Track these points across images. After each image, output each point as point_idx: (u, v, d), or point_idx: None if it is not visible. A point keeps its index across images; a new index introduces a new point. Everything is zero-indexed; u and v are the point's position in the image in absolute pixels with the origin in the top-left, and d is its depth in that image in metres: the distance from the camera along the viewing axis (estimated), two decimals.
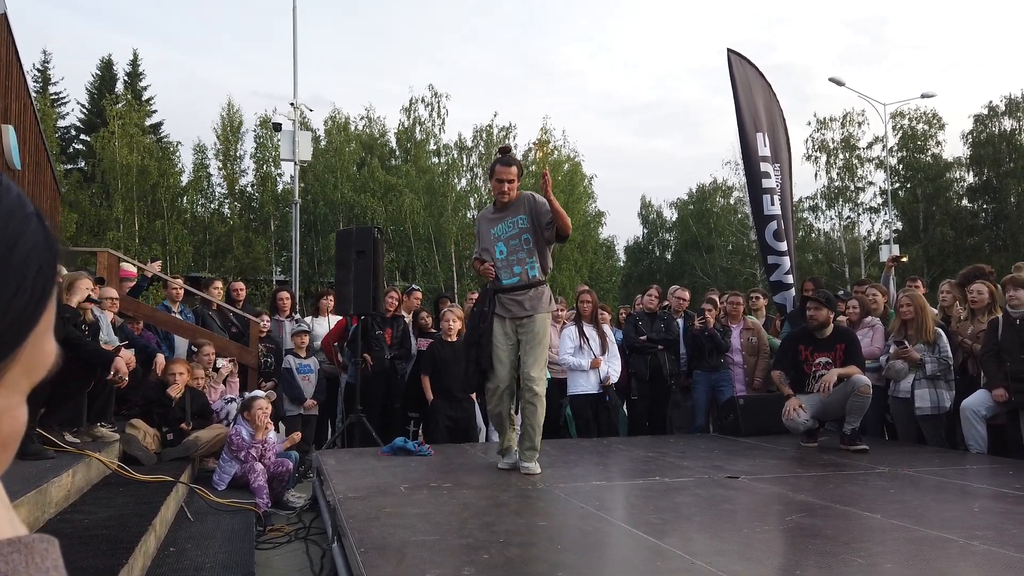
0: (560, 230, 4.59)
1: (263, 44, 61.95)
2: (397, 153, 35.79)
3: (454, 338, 6.61)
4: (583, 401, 6.78)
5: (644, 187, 62.66)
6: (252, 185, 33.86)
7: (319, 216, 31.63)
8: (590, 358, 6.74)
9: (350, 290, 6.53)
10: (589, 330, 6.86)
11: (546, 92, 60.57)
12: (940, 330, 5.80)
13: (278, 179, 33.20)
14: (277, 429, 6.19)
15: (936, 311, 6.26)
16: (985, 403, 5.36)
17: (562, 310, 7.47)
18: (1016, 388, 5.20)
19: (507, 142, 34.48)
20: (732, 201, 38.39)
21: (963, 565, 2.86)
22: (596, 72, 64.21)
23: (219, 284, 8.09)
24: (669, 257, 41.94)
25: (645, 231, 42.86)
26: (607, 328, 7.09)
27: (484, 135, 34.37)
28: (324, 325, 7.61)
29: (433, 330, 7.40)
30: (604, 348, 6.85)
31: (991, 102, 35.88)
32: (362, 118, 35.71)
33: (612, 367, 6.87)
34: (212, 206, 33.66)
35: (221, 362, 6.82)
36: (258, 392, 6.00)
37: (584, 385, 6.77)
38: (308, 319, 7.82)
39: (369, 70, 59.41)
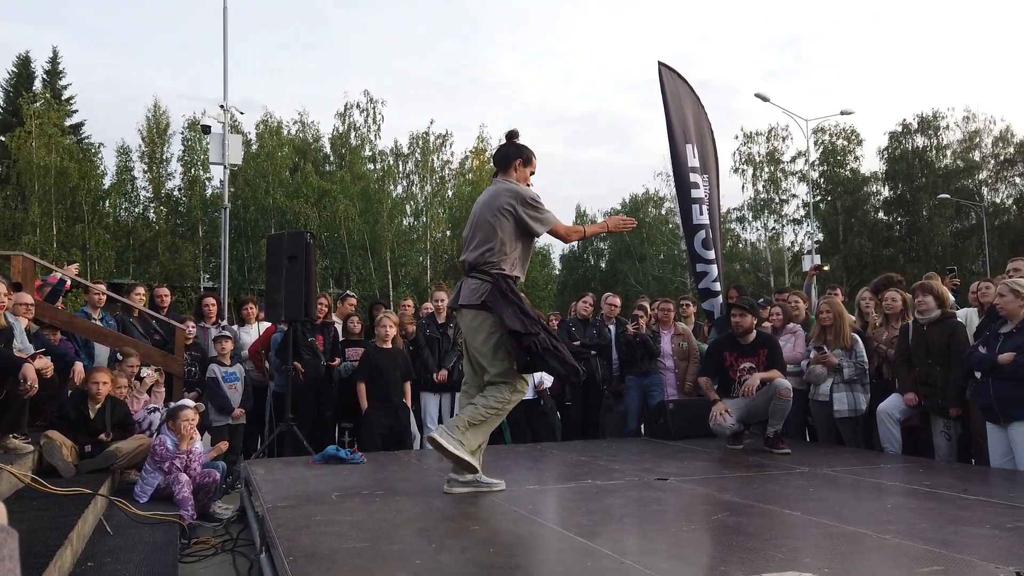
0: None
1: (192, 46, 60.27)
2: (331, 158, 35.32)
3: (389, 345, 6.56)
4: (518, 407, 6.79)
5: (578, 196, 63.47)
6: (179, 189, 32.88)
7: (250, 221, 30.89)
8: None
9: (281, 296, 6.41)
10: None
11: (482, 101, 60.96)
12: (857, 336, 6.07)
13: (207, 183, 32.33)
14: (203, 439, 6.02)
15: (854, 318, 6.55)
16: (899, 407, 5.62)
17: None
18: (925, 392, 5.48)
19: (444, 150, 34.48)
20: (664, 211, 39.28)
21: (876, 558, 3.00)
22: (530, 82, 64.90)
23: (141, 290, 7.82)
24: (603, 266, 42.62)
25: (580, 240, 43.36)
26: None
27: (420, 142, 34.27)
28: (251, 333, 7.45)
29: (361, 337, 7.31)
30: None
31: (905, 120, 37.87)
32: (295, 122, 35.15)
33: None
34: (136, 210, 32.50)
35: (146, 371, 6.59)
36: (186, 401, 5.82)
37: None
38: (234, 327, 7.64)
39: (303, 74, 58.47)
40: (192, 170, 32.22)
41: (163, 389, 6.67)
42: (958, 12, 59.68)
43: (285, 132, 34.11)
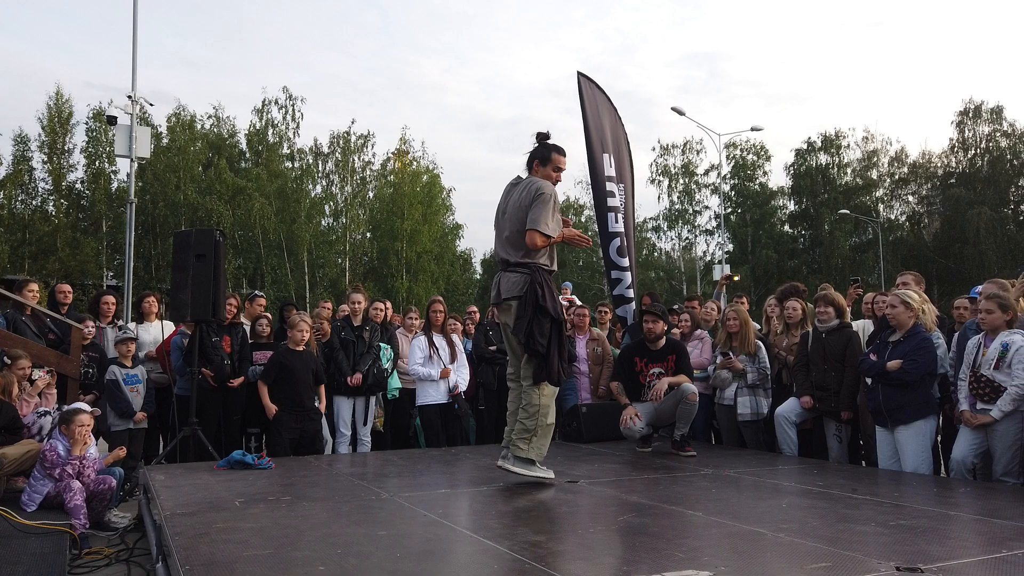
0: None
1: (99, 31, 57.40)
2: (247, 155, 34.28)
3: (302, 347, 6.42)
4: (432, 411, 6.79)
5: None
6: (82, 182, 31.25)
7: (158, 217, 29.69)
8: (439, 368, 6.77)
9: (188, 295, 6.18)
10: (439, 340, 6.89)
11: (405, 103, 60.44)
12: (760, 343, 6.33)
13: (112, 176, 30.85)
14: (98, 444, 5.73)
15: (759, 326, 6.82)
16: (795, 410, 5.90)
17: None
18: (820, 396, 5.77)
19: (366, 150, 34.02)
20: (583, 219, 39.91)
21: (770, 555, 3.13)
22: (455, 87, 64.82)
23: (34, 287, 7.37)
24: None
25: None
26: (456, 338, 7.15)
27: (341, 142, 33.72)
28: (150, 331, 7.14)
29: (271, 340, 7.13)
30: (453, 357, 6.90)
31: (810, 138, 39.76)
32: (210, 117, 34.01)
33: (461, 376, 6.93)
34: (34, 202, 30.68)
35: (37, 373, 6.21)
36: (81, 405, 5.53)
37: (434, 395, 6.78)
38: (132, 325, 7.31)
39: (219, 67, 56.58)
40: (97, 162, 30.72)
41: (54, 391, 6.31)
42: (860, 39, 63.14)
43: (198, 126, 32.97)
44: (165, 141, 31.23)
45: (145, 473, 5.06)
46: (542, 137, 4.69)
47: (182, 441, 6.19)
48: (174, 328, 7.16)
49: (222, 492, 4.36)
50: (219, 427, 6.72)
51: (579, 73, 7.32)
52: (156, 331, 7.17)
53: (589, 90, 7.33)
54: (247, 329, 7.12)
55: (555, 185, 4.62)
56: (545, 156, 4.62)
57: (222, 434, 6.71)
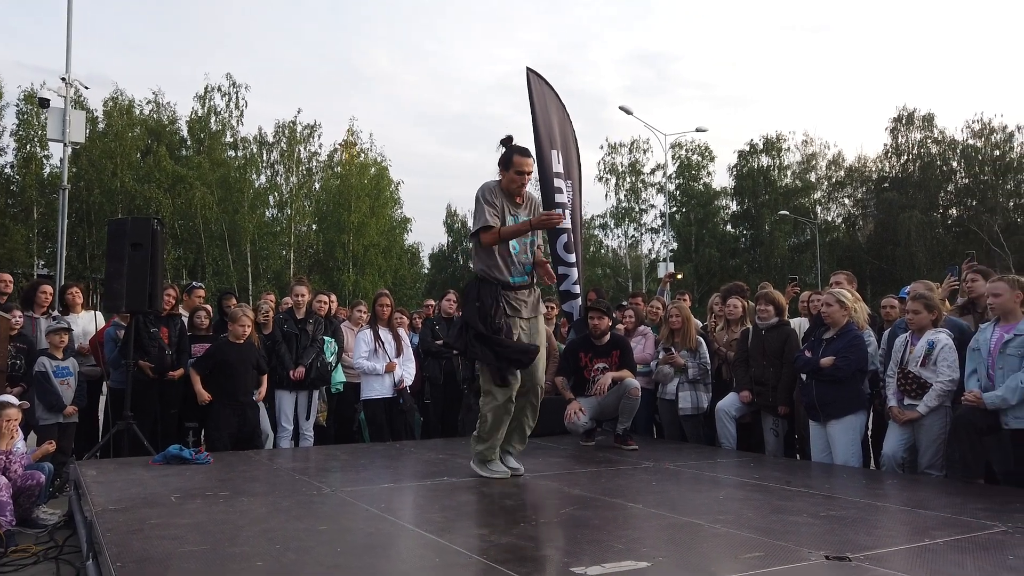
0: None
1: (31, 9, 55.03)
2: (188, 143, 33.34)
3: (242, 341, 6.30)
4: (377, 405, 6.73)
5: (450, 196, 63.56)
6: (11, 166, 29.91)
7: (93, 205, 28.67)
8: (385, 362, 6.72)
9: (123, 285, 5.99)
10: (384, 333, 6.84)
11: (353, 94, 59.67)
12: (701, 338, 6.47)
13: (44, 161, 29.63)
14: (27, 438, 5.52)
15: (700, 323, 6.97)
16: (735, 404, 6.05)
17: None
18: (759, 391, 5.93)
19: (313, 141, 33.46)
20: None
21: (707, 545, 3.21)
22: (405, 79, 64.25)
23: None
24: (472, 266, 42.86)
25: (450, 239, 43.58)
26: (403, 332, 7.10)
27: (287, 131, 33.10)
28: (78, 323, 6.90)
29: (210, 332, 6.96)
30: (399, 351, 6.86)
31: (752, 140, 40.71)
32: (149, 102, 32.93)
33: (407, 371, 6.90)
34: None
35: None
36: (7, 398, 5.31)
37: (379, 389, 6.73)
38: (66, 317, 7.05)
39: (159, 52, 54.86)
40: (28, 146, 29.46)
41: None
42: (803, 44, 64.91)
43: (137, 112, 31.89)
44: (101, 126, 30.17)
45: (76, 468, 4.90)
46: (505, 141, 4.62)
47: (116, 436, 6.01)
48: (106, 319, 6.94)
49: (157, 487, 4.25)
50: (155, 421, 6.53)
51: (528, 69, 7.35)
52: (85, 322, 6.94)
53: (538, 86, 7.36)
54: (185, 321, 6.94)
55: (521, 188, 4.55)
56: (507, 160, 4.53)
57: (159, 429, 6.53)
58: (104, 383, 6.71)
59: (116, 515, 3.52)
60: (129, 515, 3.53)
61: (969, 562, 2.84)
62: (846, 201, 41.30)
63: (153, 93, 33.91)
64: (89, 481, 4.34)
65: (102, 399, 6.79)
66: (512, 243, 4.48)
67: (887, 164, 39.65)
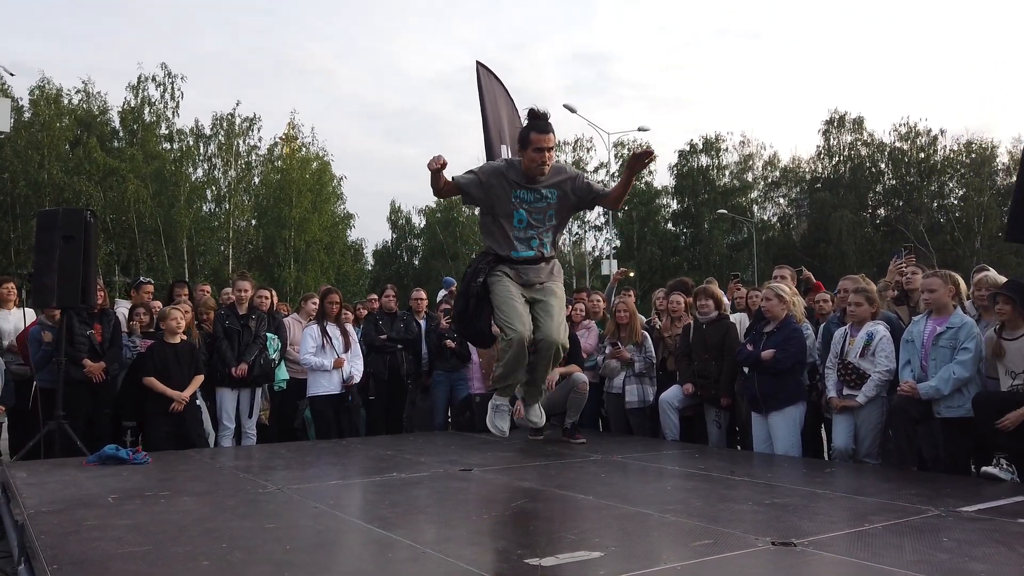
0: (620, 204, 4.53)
1: None
2: (121, 134, 32.12)
3: (177, 340, 6.11)
4: (324, 402, 6.63)
5: (394, 192, 63.00)
6: None
7: (19, 198, 27.38)
8: (332, 358, 6.61)
9: (53, 279, 5.73)
10: (332, 329, 6.74)
11: (293, 87, 58.53)
12: (646, 333, 6.56)
13: None
14: None
15: (644, 318, 7.07)
16: (678, 396, 6.16)
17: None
18: (701, 384, 6.05)
19: (252, 134, 32.68)
20: (477, 211, 40.00)
21: (656, 534, 3.27)
22: (346, 74, 63.41)
23: None
24: (417, 263, 42.56)
25: (394, 236, 43.16)
26: (350, 327, 7.01)
27: (225, 124, 32.20)
28: (9, 320, 6.59)
29: (151, 329, 6.73)
30: (347, 347, 6.76)
31: (692, 140, 41.52)
32: (78, 91, 31.57)
33: (355, 367, 6.81)
34: None
35: None
36: None
37: (326, 386, 6.63)
38: None
39: (89, 40, 52.80)
40: None
41: None
42: (739, 49, 66.40)
43: (65, 101, 30.55)
44: (27, 116, 28.82)
45: (4, 470, 4.67)
46: (531, 115, 4.20)
47: (46, 436, 5.75)
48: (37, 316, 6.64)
49: (93, 488, 4.09)
50: (88, 421, 6.27)
51: (477, 62, 7.34)
52: (16, 319, 6.63)
53: (487, 79, 7.35)
54: (119, 316, 6.69)
55: (542, 166, 4.17)
56: (524, 138, 4.17)
57: (93, 427, 6.27)
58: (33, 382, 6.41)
59: (49, 517, 3.37)
60: (64, 517, 3.39)
61: (907, 544, 2.95)
62: (781, 201, 42.49)
63: (83, 82, 32.49)
64: (19, 483, 4.15)
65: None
66: (520, 213, 4.25)
67: (820, 165, 40.92)
